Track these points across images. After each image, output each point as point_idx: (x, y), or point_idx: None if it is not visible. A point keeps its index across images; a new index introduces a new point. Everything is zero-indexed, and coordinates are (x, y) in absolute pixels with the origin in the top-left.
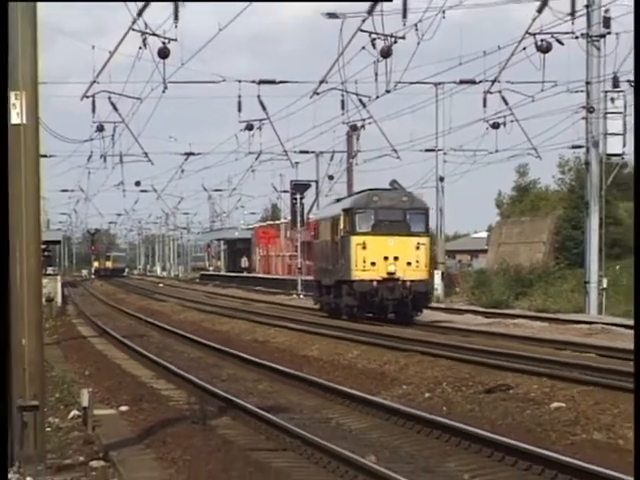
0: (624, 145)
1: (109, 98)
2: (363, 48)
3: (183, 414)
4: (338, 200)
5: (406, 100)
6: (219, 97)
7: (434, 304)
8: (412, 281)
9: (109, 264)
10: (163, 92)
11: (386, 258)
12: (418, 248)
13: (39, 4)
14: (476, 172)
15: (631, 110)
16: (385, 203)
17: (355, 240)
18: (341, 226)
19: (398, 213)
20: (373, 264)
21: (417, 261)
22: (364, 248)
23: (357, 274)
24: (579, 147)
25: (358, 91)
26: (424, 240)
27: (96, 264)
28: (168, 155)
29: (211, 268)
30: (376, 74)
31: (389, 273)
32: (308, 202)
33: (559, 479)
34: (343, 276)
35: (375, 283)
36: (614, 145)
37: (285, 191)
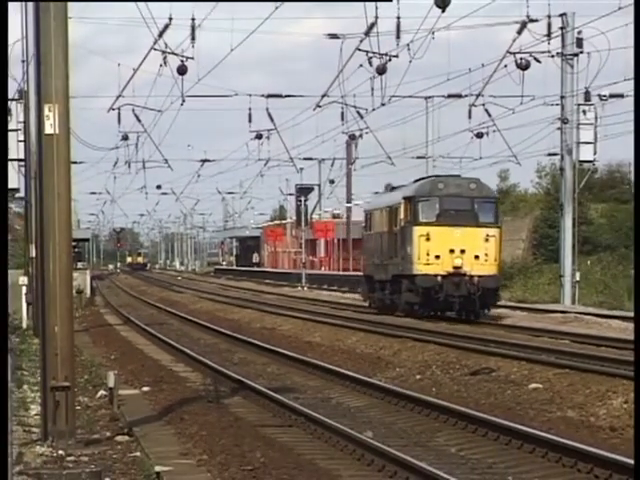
0: (595, 153)
1: (133, 110)
2: (361, 66)
3: (199, 394)
4: (393, 188)
5: (399, 112)
6: (232, 109)
7: None
8: (480, 276)
9: (140, 259)
10: (181, 105)
11: (452, 251)
12: (487, 240)
13: (71, 27)
14: None
15: (600, 121)
16: (451, 191)
17: (418, 231)
18: (401, 216)
19: (465, 202)
20: (437, 257)
21: (486, 254)
22: (428, 240)
23: (420, 268)
24: (554, 155)
25: (356, 104)
26: (493, 231)
27: (129, 259)
28: (186, 161)
29: (224, 263)
30: (372, 89)
31: (455, 267)
32: (311, 204)
33: (536, 452)
34: (403, 270)
35: (440, 278)
36: (586, 153)
37: (291, 194)
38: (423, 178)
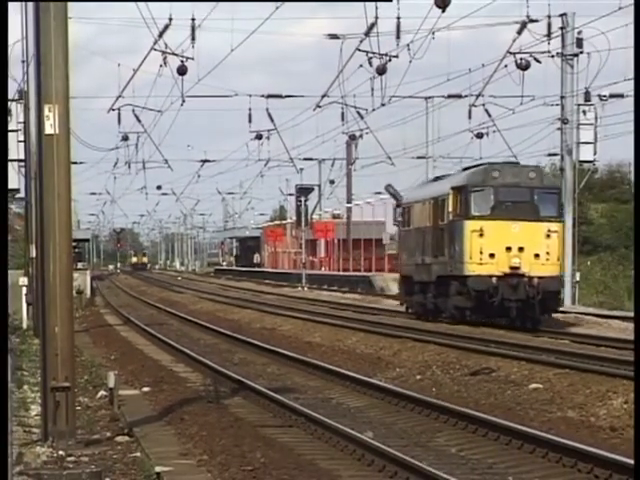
0: (595, 153)
1: (133, 111)
2: (361, 66)
3: (199, 394)
4: (437, 178)
5: (399, 112)
6: (232, 110)
7: None
8: (541, 278)
9: (145, 259)
10: (181, 105)
11: (509, 249)
12: (549, 237)
13: (72, 27)
14: None
15: (600, 122)
16: (508, 180)
17: (470, 226)
18: (449, 208)
19: (524, 193)
20: (492, 256)
21: (547, 253)
22: (481, 236)
23: (472, 268)
24: (555, 155)
25: (356, 104)
26: (556, 227)
27: (135, 259)
28: (186, 162)
29: (224, 263)
30: (372, 89)
31: (512, 267)
32: (311, 204)
33: (537, 452)
34: (451, 271)
35: (495, 280)
36: (586, 153)
37: (291, 194)
38: (475, 166)
